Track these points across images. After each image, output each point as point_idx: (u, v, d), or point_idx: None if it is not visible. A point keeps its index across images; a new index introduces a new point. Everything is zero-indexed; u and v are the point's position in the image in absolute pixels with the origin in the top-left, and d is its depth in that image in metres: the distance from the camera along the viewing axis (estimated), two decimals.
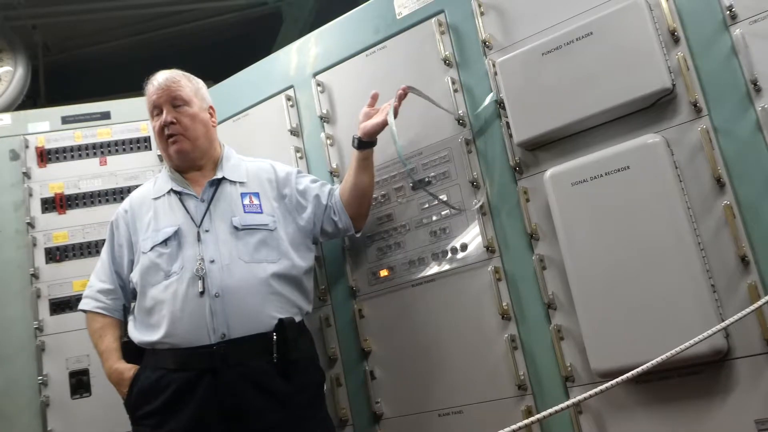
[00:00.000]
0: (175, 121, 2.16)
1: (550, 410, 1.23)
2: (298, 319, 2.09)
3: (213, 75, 3.22)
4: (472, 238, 2.15)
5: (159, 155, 2.88)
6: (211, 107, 2.30)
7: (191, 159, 2.19)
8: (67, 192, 2.85)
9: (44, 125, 2.95)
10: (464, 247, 2.15)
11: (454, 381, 2.12)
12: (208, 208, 2.12)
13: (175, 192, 2.17)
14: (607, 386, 1.30)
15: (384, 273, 2.30)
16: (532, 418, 1.24)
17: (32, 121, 2.96)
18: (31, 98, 3.82)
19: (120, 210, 2.26)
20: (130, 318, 2.15)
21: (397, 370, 2.24)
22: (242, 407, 1.94)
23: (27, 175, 2.84)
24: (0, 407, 2.60)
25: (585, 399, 1.28)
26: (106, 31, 4.21)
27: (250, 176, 2.23)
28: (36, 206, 2.83)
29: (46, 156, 2.89)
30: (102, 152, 2.93)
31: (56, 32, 4.12)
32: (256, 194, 2.19)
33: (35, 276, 2.73)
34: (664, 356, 1.38)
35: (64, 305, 2.72)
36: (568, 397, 1.88)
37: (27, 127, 2.94)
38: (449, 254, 2.18)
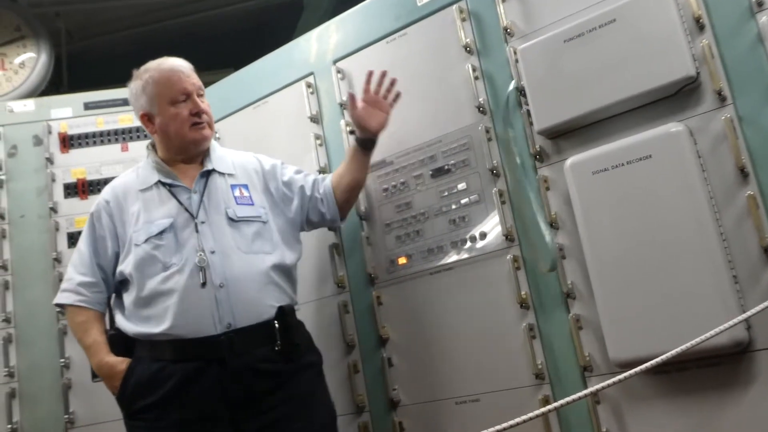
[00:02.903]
0: (206, 110, 2.18)
1: (567, 399, 1.23)
2: (292, 305, 2.11)
3: (233, 62, 3.24)
4: (491, 226, 2.14)
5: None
6: None
7: (201, 149, 2.18)
8: (89, 177, 2.89)
9: (67, 111, 2.98)
10: (483, 235, 2.15)
11: (472, 369, 2.12)
12: (201, 199, 2.10)
13: (164, 184, 2.13)
14: (626, 376, 1.29)
15: (402, 261, 2.30)
16: (549, 407, 1.24)
17: (55, 107, 3.00)
18: (54, 84, 3.85)
19: (101, 201, 2.19)
20: (117, 310, 2.11)
21: (414, 358, 2.25)
22: (249, 394, 1.94)
23: (50, 160, 2.88)
24: (23, 389, 2.65)
25: (603, 388, 1.27)
26: (128, 18, 4.23)
27: (237, 168, 2.22)
28: (59, 191, 2.87)
29: (68, 142, 2.92)
30: (123, 138, 2.96)
31: (79, 19, 4.15)
32: (245, 186, 2.19)
33: (58, 260, 2.78)
34: (683, 347, 1.37)
35: None
36: (585, 387, 1.88)
37: (50, 113, 2.97)
38: (468, 242, 2.17)
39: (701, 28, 1.82)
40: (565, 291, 1.96)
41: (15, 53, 3.67)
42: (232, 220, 2.08)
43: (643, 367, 1.31)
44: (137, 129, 2.97)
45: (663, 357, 1.34)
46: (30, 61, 3.65)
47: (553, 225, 2.01)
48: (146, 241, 2.04)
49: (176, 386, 1.93)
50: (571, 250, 1.96)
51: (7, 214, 2.82)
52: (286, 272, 2.13)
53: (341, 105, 2.49)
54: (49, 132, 2.92)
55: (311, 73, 2.62)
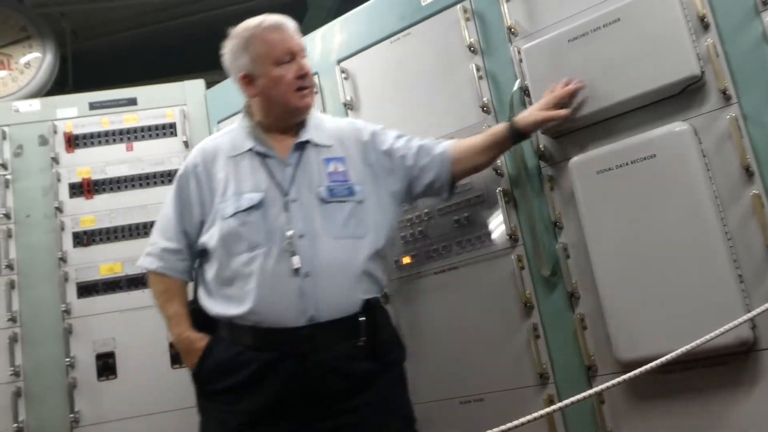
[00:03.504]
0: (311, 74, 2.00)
1: (572, 399, 1.23)
2: (380, 296, 1.98)
3: None
4: (495, 226, 2.14)
5: (185, 141, 2.91)
6: None
7: (303, 117, 2.02)
8: (95, 177, 2.89)
9: (72, 111, 2.98)
10: (487, 235, 2.15)
11: (476, 369, 2.13)
12: (294, 175, 1.94)
13: (257, 153, 1.97)
14: (630, 375, 1.29)
15: (407, 260, 2.30)
16: (553, 407, 1.24)
17: (60, 107, 3.00)
18: (60, 84, 3.86)
19: (188, 164, 2.04)
20: (200, 284, 2.00)
21: (418, 357, 2.24)
22: (325, 391, 1.82)
23: (55, 160, 2.88)
24: (29, 388, 2.65)
25: (608, 388, 1.27)
26: (133, 18, 4.24)
27: (334, 139, 2.03)
28: (64, 191, 2.87)
29: (73, 141, 2.93)
30: (128, 138, 2.96)
31: (84, 19, 4.16)
32: (341, 159, 1.99)
33: (63, 260, 2.78)
34: (688, 346, 1.37)
35: (91, 289, 2.77)
36: (590, 387, 1.88)
37: (55, 113, 2.98)
38: (472, 242, 2.17)
39: (706, 27, 1.81)
40: (570, 290, 1.96)
41: (20, 53, 3.67)
42: (324, 201, 1.91)
43: (648, 366, 1.31)
44: (142, 129, 2.97)
45: (668, 356, 1.34)
46: (35, 61, 3.66)
47: (557, 224, 2.01)
48: (234, 215, 1.90)
49: (253, 374, 1.83)
50: (576, 249, 1.96)
51: (13, 213, 2.82)
52: (381, 256, 1.96)
53: (345, 105, 2.49)
54: (55, 132, 2.92)
55: (315, 73, 2.60)
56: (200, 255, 2.00)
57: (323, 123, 2.07)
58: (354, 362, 1.84)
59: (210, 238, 1.94)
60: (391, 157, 2.04)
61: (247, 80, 1.99)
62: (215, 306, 1.91)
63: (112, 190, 2.88)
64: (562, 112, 1.94)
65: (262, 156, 1.97)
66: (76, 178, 2.88)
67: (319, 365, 1.81)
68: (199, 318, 1.94)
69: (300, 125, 2.01)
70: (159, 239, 2.03)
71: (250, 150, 1.98)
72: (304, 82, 1.96)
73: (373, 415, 1.84)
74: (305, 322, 1.81)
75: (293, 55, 1.96)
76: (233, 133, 2.05)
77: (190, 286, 2.06)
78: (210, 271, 1.94)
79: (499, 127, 2.02)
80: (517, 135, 1.99)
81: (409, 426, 1.95)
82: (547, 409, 1.22)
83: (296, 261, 1.83)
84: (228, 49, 2.03)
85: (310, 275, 1.83)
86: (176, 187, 2.05)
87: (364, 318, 1.85)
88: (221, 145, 2.03)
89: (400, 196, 2.06)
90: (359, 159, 2.01)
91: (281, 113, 1.99)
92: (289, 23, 2.00)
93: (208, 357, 1.89)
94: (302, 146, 1.98)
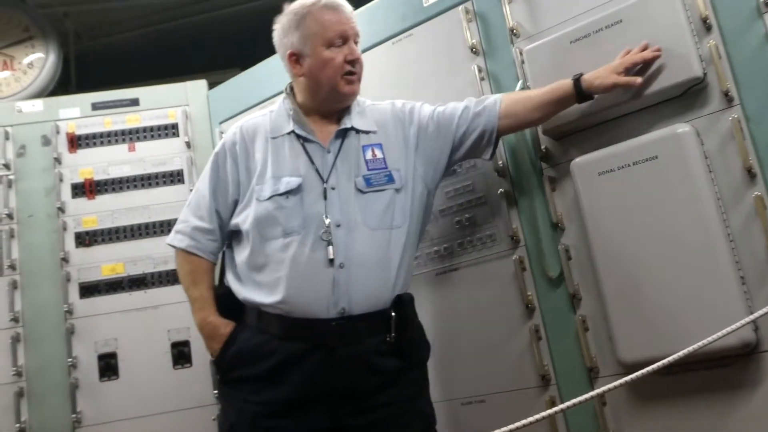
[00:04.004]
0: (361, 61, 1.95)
1: (574, 400, 1.23)
2: (409, 289, 1.94)
3: (240, 63, 3.24)
4: (496, 227, 2.14)
5: (187, 142, 2.91)
6: None
7: (348, 103, 1.97)
8: (97, 177, 2.89)
9: (75, 111, 2.99)
10: (489, 236, 2.15)
11: (478, 370, 2.12)
12: (334, 163, 1.89)
13: (298, 136, 1.93)
14: (632, 377, 1.29)
15: None
16: (555, 408, 1.24)
17: (63, 108, 3.00)
18: (63, 85, 3.86)
19: (227, 141, 1.99)
20: (228, 266, 1.95)
21: None
22: (354, 386, 1.78)
23: (58, 160, 2.89)
24: (31, 388, 2.66)
25: (610, 390, 1.27)
26: (136, 18, 4.24)
27: (376, 124, 1.98)
28: (66, 191, 2.87)
29: (76, 142, 2.93)
30: (131, 138, 2.96)
31: (87, 20, 4.17)
32: (379, 145, 1.94)
33: (65, 260, 2.78)
34: (691, 348, 1.37)
35: (93, 289, 2.77)
36: (592, 388, 1.87)
37: (58, 113, 2.98)
38: (474, 243, 2.17)
39: (708, 28, 1.81)
40: (571, 292, 1.96)
41: (23, 54, 3.68)
42: (361, 191, 1.86)
43: (650, 368, 1.31)
44: (144, 129, 2.97)
45: (670, 358, 1.34)
46: (38, 61, 3.66)
47: (559, 226, 2.00)
48: (270, 198, 1.85)
49: (278, 365, 1.78)
50: (578, 251, 1.96)
51: (16, 213, 2.83)
52: (414, 245, 1.93)
53: None
54: (57, 132, 2.93)
55: None
56: (230, 237, 1.96)
57: (366, 108, 2.02)
58: (382, 358, 1.80)
59: (244, 219, 1.89)
60: (435, 122, 1.98)
61: (295, 59, 1.94)
62: (246, 292, 1.86)
63: (114, 190, 2.89)
64: (638, 79, 1.81)
65: (303, 140, 1.92)
66: (79, 179, 2.89)
67: (347, 359, 1.77)
68: (225, 303, 1.89)
69: (343, 111, 1.97)
70: (191, 217, 1.97)
71: (291, 133, 1.93)
72: (353, 68, 1.92)
73: (398, 414, 1.81)
74: (336, 314, 1.77)
75: (346, 38, 1.92)
76: (275, 114, 2.00)
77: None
78: (241, 254, 1.89)
79: (564, 84, 1.89)
80: (582, 95, 1.88)
81: (431, 427, 1.92)
82: (549, 411, 1.22)
83: (331, 251, 1.79)
84: (279, 25, 1.99)
85: (345, 266, 1.79)
86: (212, 164, 1.99)
87: (394, 313, 1.81)
88: (261, 124, 1.98)
89: (442, 165, 1.99)
90: (399, 140, 1.96)
91: (326, 97, 1.95)
92: (346, 6, 1.95)
93: (232, 344, 1.84)
94: (344, 133, 1.94)
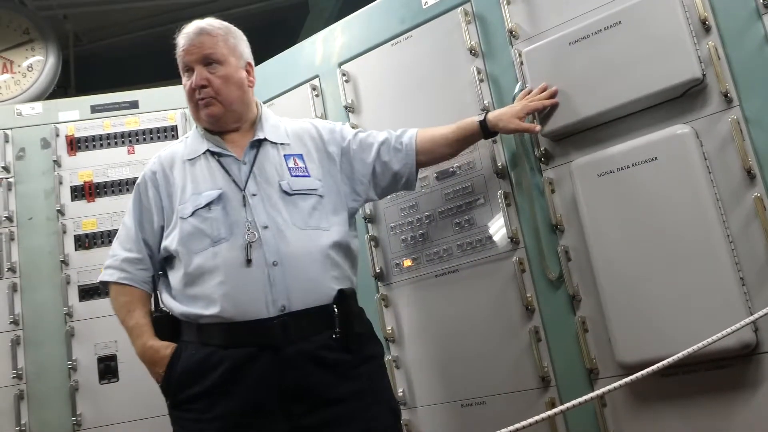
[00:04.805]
0: (206, 83, 1.95)
1: (573, 402, 1.23)
2: (353, 288, 1.94)
3: None
4: (496, 229, 2.14)
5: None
6: (249, 63, 2.07)
7: (224, 123, 1.99)
8: (96, 180, 2.90)
9: (74, 114, 2.99)
10: (489, 238, 2.15)
11: (478, 372, 2.12)
12: (251, 171, 1.93)
13: (213, 153, 1.96)
14: (632, 378, 1.29)
15: (407, 263, 2.30)
16: (555, 410, 1.23)
17: (63, 110, 3.00)
18: (62, 87, 3.88)
19: (147, 172, 2.03)
20: (163, 290, 1.96)
21: (420, 360, 2.25)
22: (305, 385, 1.76)
23: (57, 163, 2.89)
24: (31, 391, 2.66)
25: (609, 391, 1.27)
26: (135, 21, 4.26)
27: (292, 137, 2.03)
28: (66, 194, 2.88)
29: (75, 144, 2.93)
30: (130, 141, 2.97)
31: (86, 22, 4.18)
32: (300, 156, 1.99)
33: (65, 263, 2.79)
34: (690, 349, 1.37)
35: (92, 292, 2.77)
36: (592, 389, 1.87)
37: (58, 116, 2.98)
38: (473, 245, 2.17)
39: (707, 29, 1.81)
40: (571, 293, 1.96)
41: (23, 56, 3.69)
42: (287, 194, 1.90)
43: (650, 369, 1.31)
44: (143, 132, 2.98)
45: (670, 359, 1.34)
46: (38, 64, 3.67)
47: (558, 227, 2.00)
48: (193, 214, 1.88)
49: (226, 374, 1.76)
50: (577, 252, 1.96)
51: (15, 216, 2.83)
52: (346, 251, 1.94)
53: (346, 107, 2.49)
54: (57, 135, 2.93)
55: (316, 76, 2.62)
56: (163, 263, 1.97)
57: (280, 123, 2.07)
58: (330, 352, 1.80)
59: (171, 241, 1.91)
60: (352, 152, 2.05)
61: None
62: (182, 307, 1.86)
63: (113, 193, 2.89)
64: (537, 126, 2.02)
65: (218, 156, 1.96)
66: (78, 181, 2.89)
67: (295, 357, 1.76)
68: (163, 327, 1.90)
69: (255, 125, 2.02)
70: (119, 251, 2.00)
71: (206, 152, 1.97)
72: (199, 94, 1.96)
73: (356, 409, 1.80)
74: (276, 313, 1.78)
75: (190, 68, 1.97)
76: (189, 139, 2.05)
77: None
78: (176, 275, 1.90)
79: (471, 123, 2.04)
80: (488, 133, 2.05)
81: (397, 419, 1.92)
82: (549, 413, 1.22)
83: (262, 251, 1.81)
84: (240, 37, 2.09)
85: (279, 264, 1.80)
86: (135, 195, 2.04)
87: (337, 308, 1.82)
88: (178, 151, 2.03)
89: (361, 193, 2.05)
90: (317, 156, 2.02)
91: (197, 121, 2.03)
92: (191, 30, 2.01)
93: (176, 364, 1.82)
94: (258, 144, 1.98)
